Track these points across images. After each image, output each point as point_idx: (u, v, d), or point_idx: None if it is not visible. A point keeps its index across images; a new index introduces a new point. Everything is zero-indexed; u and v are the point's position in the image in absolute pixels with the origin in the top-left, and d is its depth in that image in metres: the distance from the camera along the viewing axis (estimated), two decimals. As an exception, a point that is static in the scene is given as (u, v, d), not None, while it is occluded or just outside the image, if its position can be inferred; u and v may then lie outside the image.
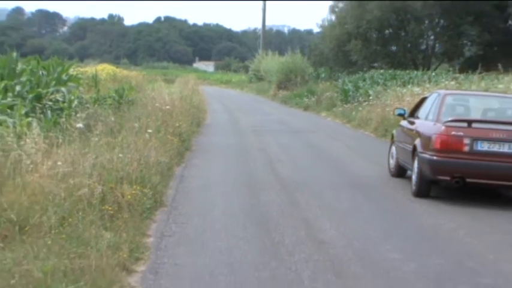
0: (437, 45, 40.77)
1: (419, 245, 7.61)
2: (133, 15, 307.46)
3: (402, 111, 13.01)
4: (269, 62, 48.80)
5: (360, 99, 26.40)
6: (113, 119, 13.97)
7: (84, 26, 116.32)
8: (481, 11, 37.08)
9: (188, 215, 8.61)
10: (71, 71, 20.36)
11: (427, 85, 22.25)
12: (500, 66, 19.91)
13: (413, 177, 10.64)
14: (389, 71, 31.00)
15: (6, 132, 8.95)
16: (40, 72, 17.68)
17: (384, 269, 6.51)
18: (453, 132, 9.99)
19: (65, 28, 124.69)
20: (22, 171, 7.89)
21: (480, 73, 22.13)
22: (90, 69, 31.27)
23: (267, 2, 60.21)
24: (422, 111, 11.67)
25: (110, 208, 7.54)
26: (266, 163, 13.89)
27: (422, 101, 12.32)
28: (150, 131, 12.81)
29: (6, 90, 13.62)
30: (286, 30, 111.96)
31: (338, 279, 6.11)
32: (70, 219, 6.82)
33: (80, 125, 11.66)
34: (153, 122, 14.40)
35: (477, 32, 37.87)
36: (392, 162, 12.58)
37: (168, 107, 18.37)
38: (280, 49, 53.14)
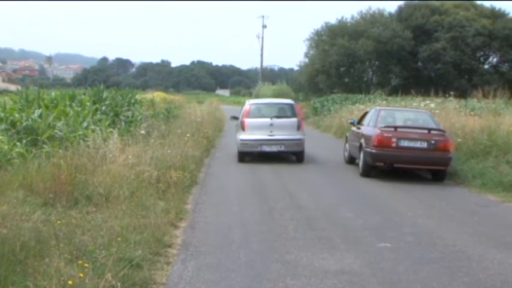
0: (374, 77, 40.68)
1: (363, 207, 7.58)
2: (177, 60, 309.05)
3: (352, 121, 12.97)
4: (265, 89, 48.49)
5: (325, 113, 26.29)
6: (164, 127, 13.95)
7: (145, 68, 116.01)
8: (401, 56, 37.10)
9: (213, 190, 8.60)
10: (137, 97, 20.43)
11: (368, 103, 22.16)
12: (413, 92, 20.03)
13: (360, 163, 10.60)
14: (344, 95, 30.83)
15: (97, 137, 9.00)
16: (118, 98, 17.73)
17: (341, 223, 6.49)
18: (385, 134, 9.97)
19: (133, 69, 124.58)
20: (107, 161, 7.94)
21: (401, 96, 22.24)
22: (149, 95, 31.25)
23: (264, 50, 59.96)
24: (365, 121, 11.60)
25: (162, 185, 7.54)
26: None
27: (365, 114, 12.27)
28: (188, 135, 12.80)
29: (96, 110, 13.70)
30: (276, 68, 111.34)
31: (311, 230, 6.08)
32: (137, 193, 6.83)
33: (142, 131, 11.67)
34: (190, 129, 14.39)
35: (399, 70, 37.94)
36: (346, 154, 12.54)
37: (199, 119, 18.36)
38: (273, 81, 52.72)
